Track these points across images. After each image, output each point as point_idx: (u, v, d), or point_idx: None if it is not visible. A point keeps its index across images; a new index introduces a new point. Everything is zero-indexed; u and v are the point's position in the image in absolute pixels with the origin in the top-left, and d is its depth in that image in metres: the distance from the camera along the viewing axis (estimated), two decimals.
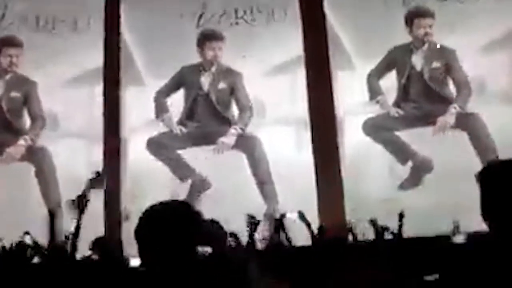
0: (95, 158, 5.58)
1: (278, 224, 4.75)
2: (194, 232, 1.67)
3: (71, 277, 3.18)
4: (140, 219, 1.69)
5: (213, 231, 2.53)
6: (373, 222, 4.53)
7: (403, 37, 5.66)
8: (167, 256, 1.62)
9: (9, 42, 5.79)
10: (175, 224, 1.66)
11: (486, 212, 1.71)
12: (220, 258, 1.72)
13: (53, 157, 5.62)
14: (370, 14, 5.70)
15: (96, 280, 3.04)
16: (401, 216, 4.63)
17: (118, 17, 5.77)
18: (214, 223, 2.61)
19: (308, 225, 4.87)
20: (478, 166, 5.37)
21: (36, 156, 5.65)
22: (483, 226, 4.68)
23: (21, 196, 5.55)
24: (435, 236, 4.86)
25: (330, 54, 5.65)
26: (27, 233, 4.93)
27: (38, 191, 5.60)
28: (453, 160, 5.37)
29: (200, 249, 1.73)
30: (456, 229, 4.84)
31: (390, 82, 5.65)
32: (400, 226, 4.63)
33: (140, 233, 1.68)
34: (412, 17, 5.67)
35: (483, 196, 1.72)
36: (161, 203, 1.77)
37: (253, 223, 4.28)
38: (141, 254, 1.66)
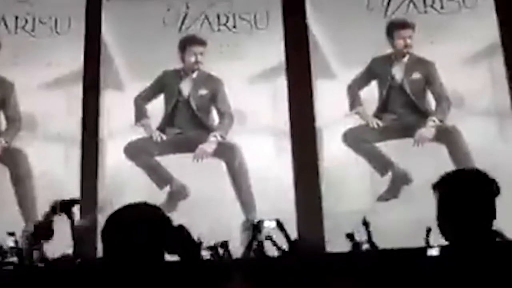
0: (73, 162, 5.50)
1: (255, 232, 4.73)
2: (163, 237, 1.64)
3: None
4: (108, 220, 1.66)
5: (182, 238, 2.49)
6: (350, 235, 4.54)
7: (384, 48, 5.70)
8: (132, 259, 1.58)
9: None
10: (144, 227, 1.63)
11: (442, 223, 1.70)
12: (187, 265, 1.69)
13: (29, 159, 5.51)
14: (352, 24, 5.71)
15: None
16: (366, 224, 4.65)
17: (99, 20, 5.71)
18: (183, 230, 2.56)
19: (286, 234, 4.87)
20: None
21: (11, 158, 5.54)
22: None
23: None
24: (411, 248, 4.86)
25: (311, 63, 5.66)
26: (11, 234, 4.89)
27: (13, 194, 5.51)
28: (432, 173, 5.31)
29: (168, 255, 1.69)
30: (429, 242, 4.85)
31: (370, 93, 5.67)
32: (369, 235, 4.65)
33: (106, 234, 1.65)
34: (393, 29, 5.71)
35: (439, 207, 1.72)
36: (131, 205, 1.73)
37: None
38: (106, 255, 1.63)
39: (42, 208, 5.42)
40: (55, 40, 5.74)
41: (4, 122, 5.68)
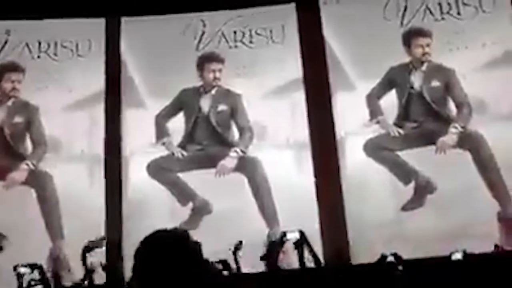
0: (97, 181, 5.58)
1: (279, 244, 4.71)
2: (197, 267, 1.64)
3: None
4: (145, 240, 1.65)
5: (210, 269, 2.52)
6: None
7: (402, 57, 5.67)
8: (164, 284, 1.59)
9: (11, 68, 5.84)
10: (181, 255, 1.63)
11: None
12: None
13: (54, 181, 5.61)
14: (369, 34, 5.71)
15: None
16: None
17: (118, 41, 5.82)
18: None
19: (310, 246, 4.84)
20: (481, 185, 5.36)
21: (38, 181, 5.65)
22: (486, 247, 4.62)
23: (23, 221, 5.53)
24: (437, 257, 4.79)
25: (329, 75, 5.66)
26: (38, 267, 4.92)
27: (40, 216, 5.60)
28: (456, 180, 5.33)
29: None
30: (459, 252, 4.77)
31: (390, 102, 5.64)
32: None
33: (141, 255, 1.65)
34: (410, 37, 5.69)
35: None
36: (169, 230, 1.73)
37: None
38: (137, 276, 1.63)
39: (68, 227, 5.57)
40: (77, 62, 5.86)
41: (30, 146, 5.80)
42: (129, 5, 5.75)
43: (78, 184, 5.63)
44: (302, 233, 4.75)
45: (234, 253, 4.71)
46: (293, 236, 4.76)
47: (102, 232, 5.33)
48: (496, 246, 4.42)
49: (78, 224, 5.44)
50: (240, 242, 4.77)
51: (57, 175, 5.61)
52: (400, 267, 4.45)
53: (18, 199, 5.59)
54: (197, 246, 1.66)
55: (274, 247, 4.71)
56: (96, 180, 5.64)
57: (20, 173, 5.66)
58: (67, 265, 5.27)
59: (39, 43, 5.89)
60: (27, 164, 5.69)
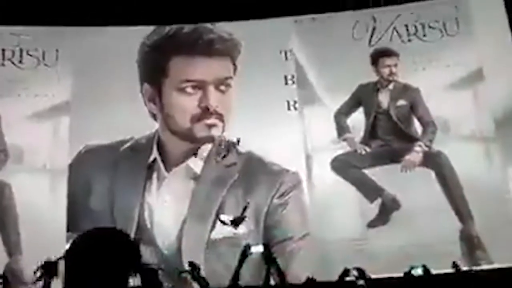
0: (60, 193, 5.42)
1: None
2: (128, 261, 1.61)
3: None
4: (73, 242, 1.62)
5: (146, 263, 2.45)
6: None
7: (370, 76, 5.79)
8: (95, 282, 1.55)
9: None
10: (110, 251, 1.60)
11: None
12: None
13: (14, 191, 5.42)
14: (338, 54, 5.81)
15: None
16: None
17: None
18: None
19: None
20: (445, 204, 5.46)
21: None
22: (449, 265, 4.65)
23: None
24: (402, 276, 4.83)
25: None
26: None
27: None
28: (420, 198, 5.42)
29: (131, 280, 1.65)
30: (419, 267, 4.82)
31: (357, 120, 5.72)
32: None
33: (71, 256, 1.61)
34: (377, 57, 5.82)
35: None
36: (98, 229, 1.71)
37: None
38: (68, 278, 1.58)
39: (25, 242, 5.37)
40: (43, 71, 5.73)
41: None
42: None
43: (39, 196, 5.47)
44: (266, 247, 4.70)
45: None
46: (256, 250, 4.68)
47: (62, 248, 5.18)
48: (454, 264, 4.48)
49: (37, 239, 5.27)
50: None
51: (17, 186, 5.44)
52: (362, 282, 4.46)
53: None
54: (132, 245, 1.64)
55: None
56: (59, 193, 5.48)
57: None
58: (24, 282, 5.07)
59: (3, 51, 5.75)
60: None
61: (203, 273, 4.10)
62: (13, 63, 5.75)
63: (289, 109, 5.72)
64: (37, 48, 5.75)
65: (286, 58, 5.83)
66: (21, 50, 5.74)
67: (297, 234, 5.12)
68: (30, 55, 5.75)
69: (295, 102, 5.74)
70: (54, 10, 5.55)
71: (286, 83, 5.80)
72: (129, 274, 1.59)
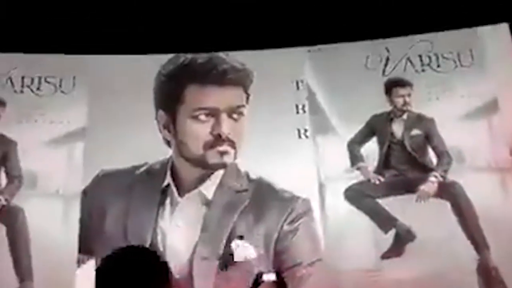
0: (72, 219, 5.43)
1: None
2: (160, 278, 1.59)
3: None
4: (105, 259, 1.59)
5: None
6: None
7: (383, 105, 5.78)
8: None
9: None
10: (143, 268, 1.58)
11: None
12: None
13: (27, 216, 5.44)
14: (351, 82, 5.84)
15: None
16: None
17: None
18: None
19: None
20: (460, 235, 5.36)
21: (8, 216, 5.48)
22: None
23: None
24: None
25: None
26: None
27: (9, 254, 5.40)
28: (436, 229, 5.33)
29: None
30: None
31: (371, 149, 5.70)
32: None
33: (103, 273, 1.59)
34: (391, 87, 5.82)
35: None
36: (129, 247, 1.69)
37: None
38: None
39: (37, 268, 5.37)
40: (59, 98, 5.83)
41: (4, 180, 5.67)
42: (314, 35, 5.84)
43: (51, 221, 5.49)
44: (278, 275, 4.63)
45: None
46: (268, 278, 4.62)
47: (73, 274, 5.18)
48: None
49: (49, 265, 5.27)
50: None
51: (30, 211, 5.47)
52: None
53: None
54: (161, 265, 1.61)
55: None
56: (71, 218, 5.50)
57: None
58: None
59: (23, 78, 5.88)
60: None
61: None
62: (31, 90, 5.87)
63: (300, 137, 5.73)
64: (55, 75, 5.87)
65: (298, 88, 5.87)
66: (39, 78, 5.87)
67: (306, 260, 5.05)
68: (48, 82, 5.87)
69: (305, 130, 5.75)
70: (72, 38, 5.70)
71: (298, 112, 5.82)
72: None
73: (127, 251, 1.62)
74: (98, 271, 1.59)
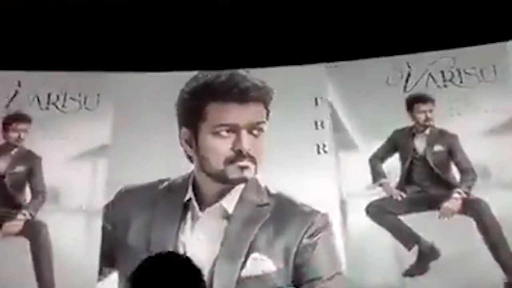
0: (95, 234, 5.48)
1: None
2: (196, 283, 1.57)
3: None
4: (139, 266, 1.58)
5: None
6: None
7: (405, 121, 5.74)
8: None
9: (18, 118, 5.92)
10: (178, 274, 1.57)
11: None
12: None
13: (50, 231, 5.52)
14: (372, 98, 5.82)
15: None
16: None
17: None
18: None
19: None
20: (486, 252, 5.23)
21: (32, 231, 5.56)
22: None
23: (17, 273, 5.39)
24: None
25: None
26: None
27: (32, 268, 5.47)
28: (460, 247, 5.23)
29: None
30: None
31: (393, 165, 5.65)
32: None
33: (135, 280, 1.57)
34: (413, 103, 5.78)
35: None
36: (165, 254, 1.68)
37: None
38: None
39: (59, 281, 5.42)
40: (84, 115, 5.94)
41: (29, 196, 5.77)
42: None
43: (73, 236, 5.55)
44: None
45: None
46: None
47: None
48: None
49: (71, 280, 5.33)
50: None
51: (52, 226, 5.54)
52: None
53: (13, 250, 5.50)
54: (195, 273, 1.60)
55: None
56: (93, 233, 5.55)
57: (16, 223, 5.61)
58: None
59: (49, 95, 6.02)
60: (24, 214, 5.65)
61: None
62: (56, 107, 6.00)
63: (319, 152, 5.72)
64: (80, 92, 5.99)
65: (317, 104, 5.88)
66: (65, 94, 5.99)
67: (326, 275, 4.98)
68: (73, 99, 6.00)
69: (324, 145, 5.74)
70: (96, 56, 5.82)
71: (317, 128, 5.82)
72: None
73: (161, 258, 1.61)
74: (132, 278, 1.57)
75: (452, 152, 5.59)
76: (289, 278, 4.95)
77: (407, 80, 5.89)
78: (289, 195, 5.34)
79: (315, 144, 5.76)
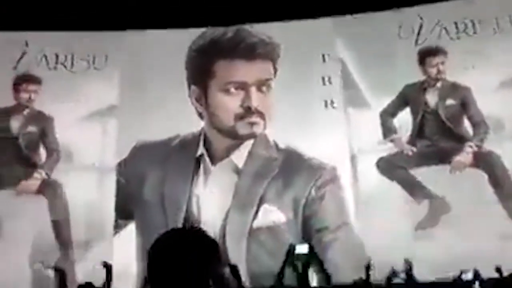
0: (108, 190, 5.59)
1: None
2: (213, 257, 1.57)
3: None
4: (155, 243, 1.58)
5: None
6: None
7: (416, 75, 5.64)
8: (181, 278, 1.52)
9: (28, 79, 5.94)
10: (195, 248, 1.57)
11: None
12: None
13: (65, 189, 5.61)
14: (383, 52, 5.70)
15: None
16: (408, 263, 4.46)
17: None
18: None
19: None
20: (497, 206, 5.20)
21: (49, 189, 5.67)
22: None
23: (35, 229, 5.51)
24: (451, 281, 4.62)
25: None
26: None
27: (50, 225, 5.59)
28: (471, 200, 5.20)
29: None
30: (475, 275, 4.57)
31: (404, 120, 5.58)
32: (409, 272, 4.45)
33: (154, 254, 1.57)
34: (424, 56, 5.66)
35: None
36: (179, 229, 1.67)
37: None
38: (150, 276, 1.56)
39: (76, 235, 5.55)
40: (93, 75, 5.93)
41: (44, 155, 5.84)
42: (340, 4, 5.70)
43: (88, 193, 5.65)
44: (311, 248, 4.66)
45: None
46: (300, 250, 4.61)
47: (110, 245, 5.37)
48: (497, 269, 4.21)
49: (87, 234, 5.49)
50: None
51: (67, 184, 5.63)
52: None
53: (31, 207, 5.61)
54: (212, 245, 1.59)
55: None
56: (107, 190, 5.64)
57: (33, 182, 5.72)
58: (74, 274, 5.22)
59: (57, 55, 6.01)
60: (40, 173, 5.74)
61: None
62: (65, 67, 5.99)
63: (326, 107, 5.68)
64: (89, 53, 5.96)
65: (324, 60, 5.79)
66: (72, 55, 5.97)
67: (332, 225, 5.11)
68: (81, 59, 5.98)
69: (332, 101, 5.68)
70: (104, 15, 5.75)
71: (324, 84, 5.76)
72: (214, 270, 1.55)
73: (178, 232, 1.62)
74: (150, 253, 1.59)
75: (465, 105, 5.49)
76: (299, 230, 5.09)
77: (418, 33, 5.74)
78: (298, 150, 5.42)
79: (323, 100, 5.71)
